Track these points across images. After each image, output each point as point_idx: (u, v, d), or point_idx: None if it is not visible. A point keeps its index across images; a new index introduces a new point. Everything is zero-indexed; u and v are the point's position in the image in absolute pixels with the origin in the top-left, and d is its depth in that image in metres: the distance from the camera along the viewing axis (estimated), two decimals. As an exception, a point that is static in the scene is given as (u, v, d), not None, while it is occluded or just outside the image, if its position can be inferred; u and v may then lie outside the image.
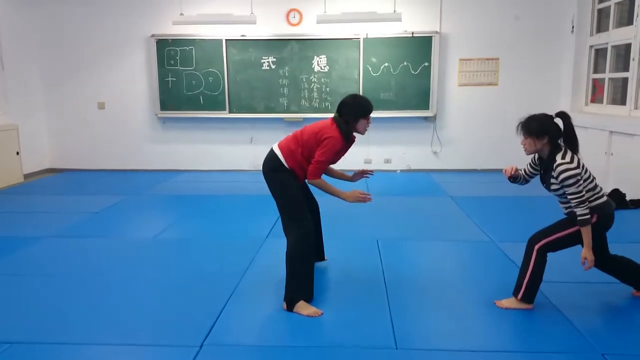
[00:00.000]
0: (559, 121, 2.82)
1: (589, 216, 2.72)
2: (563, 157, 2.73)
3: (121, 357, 2.53)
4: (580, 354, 2.48)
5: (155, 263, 3.87)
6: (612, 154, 5.94)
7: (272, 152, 3.30)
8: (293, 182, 3.18)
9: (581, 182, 2.72)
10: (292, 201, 3.13)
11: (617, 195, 5.37)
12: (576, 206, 2.72)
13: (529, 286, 2.90)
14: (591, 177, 2.81)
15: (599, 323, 2.79)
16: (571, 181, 2.69)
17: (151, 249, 4.20)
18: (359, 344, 2.59)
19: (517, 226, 4.54)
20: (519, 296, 2.93)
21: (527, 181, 3.07)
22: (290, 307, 2.94)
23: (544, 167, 2.87)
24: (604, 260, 2.99)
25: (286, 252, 3.03)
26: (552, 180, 2.78)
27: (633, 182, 5.47)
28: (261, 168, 3.35)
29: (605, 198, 2.84)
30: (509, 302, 2.98)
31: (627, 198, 5.35)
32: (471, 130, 7.48)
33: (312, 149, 3.15)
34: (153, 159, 7.92)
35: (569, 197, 2.73)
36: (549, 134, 2.77)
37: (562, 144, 2.80)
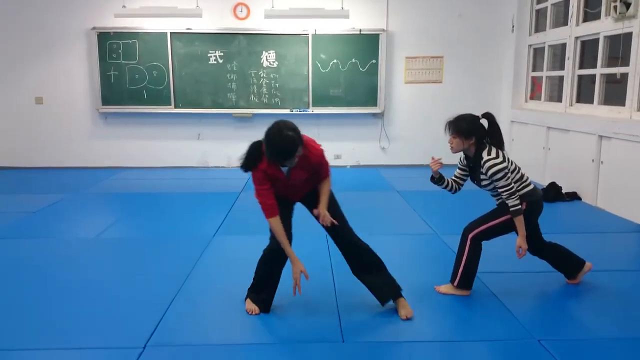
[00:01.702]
0: (484, 122, 2.94)
1: (520, 206, 2.85)
2: (489, 154, 2.85)
3: (59, 362, 2.42)
4: (517, 341, 2.58)
5: (97, 263, 3.73)
6: (549, 148, 6.21)
7: None
8: None
9: (509, 174, 2.84)
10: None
11: (553, 188, 5.63)
12: (507, 198, 2.84)
13: (464, 274, 3.02)
14: (517, 169, 2.96)
15: (534, 310, 2.92)
16: (499, 175, 2.81)
17: (93, 249, 4.05)
18: (307, 338, 2.60)
19: (459, 219, 4.64)
20: (455, 283, 3.05)
21: (459, 186, 3.10)
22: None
23: (471, 165, 2.98)
24: (538, 247, 3.14)
25: (368, 251, 2.94)
26: (482, 177, 2.90)
27: (568, 175, 5.75)
28: None
29: (532, 186, 2.99)
30: (447, 288, 3.10)
31: (563, 191, 5.61)
32: (417, 127, 7.64)
33: None
34: (95, 155, 7.64)
35: (499, 190, 2.85)
36: (477, 135, 2.89)
37: (487, 142, 2.91)
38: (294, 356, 2.44)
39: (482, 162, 2.84)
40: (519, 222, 2.88)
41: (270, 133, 2.67)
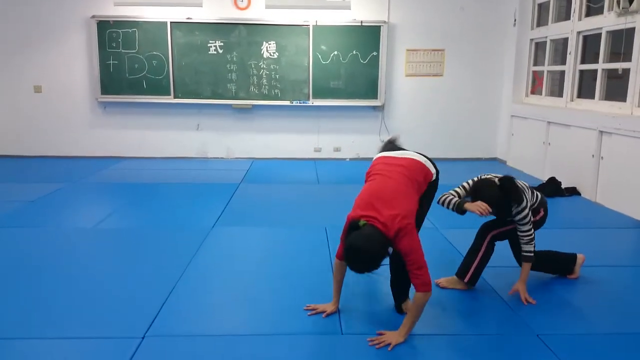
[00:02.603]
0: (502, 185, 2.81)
1: (533, 254, 2.89)
2: (519, 206, 2.81)
3: (58, 351, 2.41)
4: (517, 336, 2.58)
5: (95, 253, 3.73)
6: (549, 143, 6.21)
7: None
8: None
9: (531, 219, 2.87)
10: None
11: (553, 183, 5.63)
12: (526, 243, 2.88)
13: (476, 271, 3.02)
14: (531, 190, 2.98)
15: (534, 305, 2.91)
16: (526, 220, 2.84)
17: (91, 239, 4.04)
18: (305, 330, 2.59)
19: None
20: (466, 279, 3.04)
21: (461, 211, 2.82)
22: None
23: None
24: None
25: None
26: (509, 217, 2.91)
27: (568, 170, 5.75)
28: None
29: (540, 194, 3.05)
30: (447, 282, 3.10)
31: (562, 186, 5.61)
32: (418, 120, 7.62)
33: None
34: (93, 145, 7.61)
35: (520, 234, 2.87)
36: (496, 206, 2.77)
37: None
38: (292, 347, 2.44)
39: (513, 212, 2.84)
40: (528, 268, 2.93)
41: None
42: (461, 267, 3.09)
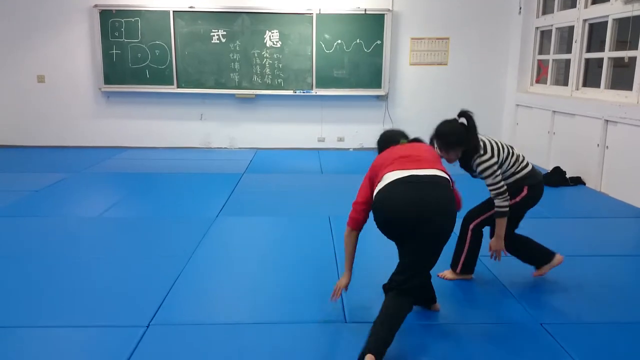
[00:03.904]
0: (463, 120, 2.74)
1: (507, 209, 2.73)
2: (482, 150, 2.71)
3: (64, 339, 2.43)
4: (520, 325, 2.58)
5: (100, 242, 3.74)
6: (554, 133, 6.17)
7: (444, 183, 2.30)
8: None
9: (498, 172, 2.71)
10: None
11: (557, 173, 5.61)
12: (495, 197, 2.73)
13: (466, 261, 3.02)
14: (510, 153, 2.80)
15: (537, 294, 2.92)
16: (487, 172, 2.70)
17: (95, 228, 4.05)
18: (310, 319, 2.60)
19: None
20: (458, 270, 3.05)
21: None
22: None
23: (461, 157, 2.80)
24: (510, 241, 2.94)
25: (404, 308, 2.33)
26: (473, 171, 2.81)
27: (573, 160, 5.72)
28: (427, 209, 2.21)
29: (530, 167, 2.85)
30: (450, 274, 3.09)
31: (567, 175, 5.59)
32: (422, 109, 7.57)
33: None
34: (97, 135, 7.61)
35: (488, 187, 2.74)
36: (464, 143, 2.71)
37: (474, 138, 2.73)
38: (297, 336, 2.45)
39: (473, 160, 2.74)
40: (502, 223, 2.77)
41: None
42: (452, 259, 3.07)
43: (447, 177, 2.33)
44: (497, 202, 2.74)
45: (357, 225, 2.49)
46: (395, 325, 2.24)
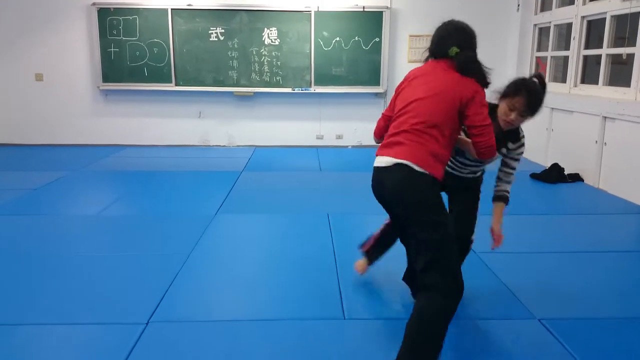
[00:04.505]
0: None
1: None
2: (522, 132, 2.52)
3: (63, 337, 2.43)
4: (519, 320, 2.59)
5: (99, 240, 3.74)
6: (552, 129, 6.18)
7: (402, 168, 2.10)
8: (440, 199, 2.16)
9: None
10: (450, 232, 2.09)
11: (556, 170, 5.62)
12: (509, 182, 2.57)
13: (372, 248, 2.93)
14: None
15: (536, 290, 2.92)
16: (521, 157, 2.58)
17: (94, 227, 4.05)
18: (308, 315, 2.61)
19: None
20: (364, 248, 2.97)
21: None
22: None
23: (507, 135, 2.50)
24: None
25: (424, 312, 2.03)
26: (504, 151, 2.53)
27: (571, 156, 5.73)
28: (385, 191, 2.20)
29: None
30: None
31: (565, 172, 5.59)
32: (420, 106, 7.56)
33: (453, 120, 2.16)
34: (95, 133, 7.60)
35: (512, 172, 2.54)
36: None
37: None
38: (295, 332, 2.45)
39: (518, 138, 2.52)
40: (502, 209, 2.57)
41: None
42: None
43: (413, 164, 2.07)
44: (508, 187, 2.56)
45: (379, 133, 2.45)
46: (424, 332, 1.97)
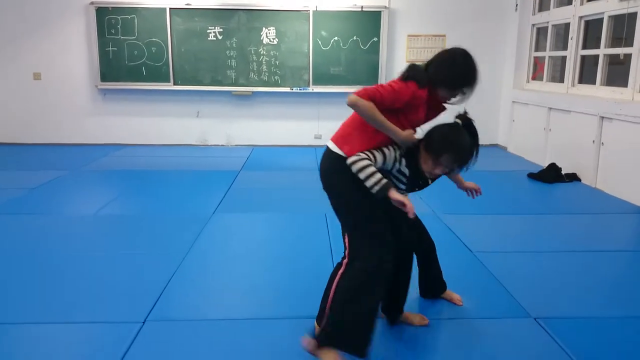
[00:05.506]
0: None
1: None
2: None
3: (60, 336, 2.43)
4: (515, 319, 2.60)
5: (96, 240, 3.74)
6: (550, 129, 6.19)
7: (327, 150, 2.33)
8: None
9: None
10: (368, 209, 2.19)
11: (553, 169, 5.63)
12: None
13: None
14: None
15: (532, 289, 2.92)
16: None
17: (92, 226, 4.05)
18: (304, 314, 2.61)
19: (458, 198, 4.67)
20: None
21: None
22: (314, 349, 2.14)
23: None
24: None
25: (340, 279, 2.20)
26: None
27: (568, 156, 5.74)
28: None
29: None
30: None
31: (563, 172, 5.60)
32: (418, 106, 7.58)
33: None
34: (93, 132, 7.60)
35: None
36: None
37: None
38: (291, 332, 2.45)
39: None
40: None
41: (462, 55, 2.31)
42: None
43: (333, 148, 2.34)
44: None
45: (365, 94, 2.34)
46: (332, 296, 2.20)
